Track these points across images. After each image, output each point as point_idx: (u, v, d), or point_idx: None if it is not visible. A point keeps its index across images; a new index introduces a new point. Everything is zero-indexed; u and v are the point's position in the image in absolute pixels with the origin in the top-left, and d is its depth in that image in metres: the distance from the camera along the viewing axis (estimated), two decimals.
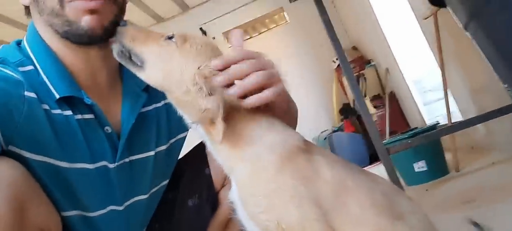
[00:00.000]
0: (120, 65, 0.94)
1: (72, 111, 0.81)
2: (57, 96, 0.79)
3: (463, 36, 2.14)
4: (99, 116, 0.85)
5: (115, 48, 0.73)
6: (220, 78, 0.66)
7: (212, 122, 0.65)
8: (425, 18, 2.15)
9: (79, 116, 0.82)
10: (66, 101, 0.81)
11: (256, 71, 0.68)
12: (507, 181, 1.67)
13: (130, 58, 0.72)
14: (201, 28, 4.67)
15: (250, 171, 0.65)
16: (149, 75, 0.71)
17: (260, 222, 0.64)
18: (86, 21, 0.79)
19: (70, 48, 0.84)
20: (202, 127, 0.70)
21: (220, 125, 0.63)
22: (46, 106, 0.78)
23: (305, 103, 4.59)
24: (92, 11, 0.79)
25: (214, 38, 4.78)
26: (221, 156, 0.71)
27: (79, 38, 0.81)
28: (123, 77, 0.94)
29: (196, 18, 4.73)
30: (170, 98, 0.73)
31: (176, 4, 4.54)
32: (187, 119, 0.73)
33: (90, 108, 0.84)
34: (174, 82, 0.69)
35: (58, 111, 0.79)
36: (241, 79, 0.67)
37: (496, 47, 0.83)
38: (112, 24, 0.81)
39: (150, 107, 0.97)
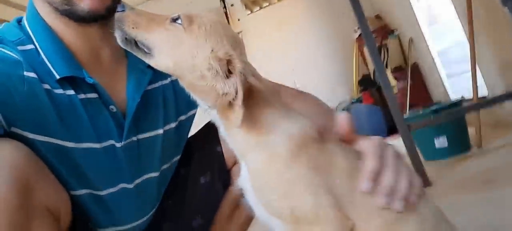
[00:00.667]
0: None
1: (75, 91, 0.80)
2: (57, 76, 0.78)
3: (495, 8, 2.02)
4: (102, 95, 0.83)
5: (118, 35, 0.68)
6: (382, 200, 0.63)
7: (229, 105, 0.62)
8: None
9: (82, 96, 0.81)
10: (67, 81, 0.79)
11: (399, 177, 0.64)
12: None
13: (136, 44, 0.67)
14: None
15: (265, 159, 0.63)
16: (159, 62, 0.67)
17: (274, 210, 0.64)
18: (86, 4, 0.77)
19: (69, 26, 0.82)
20: (216, 111, 0.67)
21: (239, 109, 0.60)
22: (47, 86, 0.76)
23: (324, 74, 4.51)
24: None
25: (232, 5, 4.68)
26: (234, 142, 0.68)
27: (79, 18, 0.79)
28: (128, 54, 0.91)
29: None
30: (183, 84, 0.69)
31: None
32: (201, 103, 0.70)
33: (93, 88, 0.82)
34: (186, 68, 0.65)
35: (60, 91, 0.78)
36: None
37: None
38: (113, 2, 0.79)
39: (156, 85, 0.95)
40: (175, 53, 0.65)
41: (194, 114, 1.04)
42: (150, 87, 0.93)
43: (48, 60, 0.79)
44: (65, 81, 0.79)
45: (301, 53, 4.57)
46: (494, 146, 2.10)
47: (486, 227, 1.10)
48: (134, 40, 0.67)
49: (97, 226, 0.86)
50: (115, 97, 0.85)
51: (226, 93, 0.61)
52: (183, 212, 1.01)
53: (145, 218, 0.94)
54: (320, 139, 0.66)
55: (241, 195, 1.04)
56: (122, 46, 0.69)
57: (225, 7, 4.55)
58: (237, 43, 0.67)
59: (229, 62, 0.62)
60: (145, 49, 0.67)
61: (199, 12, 0.69)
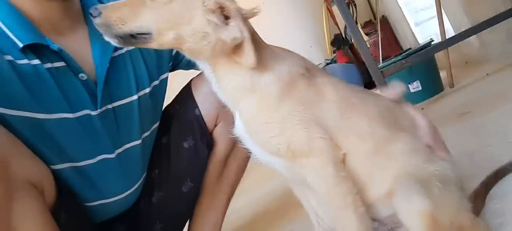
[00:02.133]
0: (83, 9, 0.89)
1: (40, 60, 0.77)
2: (21, 45, 0.75)
3: None
4: (70, 62, 0.80)
5: (112, 40, 0.65)
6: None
7: (234, 51, 0.63)
8: None
9: (48, 65, 0.78)
10: (31, 50, 0.76)
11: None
12: (501, 89, 1.67)
13: (133, 36, 0.65)
14: None
15: (258, 101, 0.66)
16: (161, 40, 0.65)
17: (272, 147, 0.66)
18: None
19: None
20: (212, 62, 0.67)
21: (249, 46, 0.61)
22: (10, 57, 0.74)
23: (297, 38, 4.51)
24: None
25: None
26: (229, 88, 0.69)
27: None
28: (88, 22, 0.88)
29: None
30: (183, 52, 0.68)
31: None
32: (202, 64, 0.70)
33: (58, 56, 0.80)
34: (187, 34, 0.64)
35: (24, 61, 0.75)
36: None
37: None
38: None
39: (123, 51, 0.92)
40: (172, 25, 0.64)
41: (166, 78, 1.03)
42: (116, 54, 0.91)
43: (9, 30, 0.76)
44: (29, 51, 0.76)
45: (273, 20, 4.54)
46: (465, 83, 2.17)
47: (463, 153, 1.15)
48: (129, 34, 0.65)
49: (84, 201, 0.85)
50: (83, 65, 0.83)
51: (234, 39, 0.61)
52: (171, 179, 1.01)
53: (132, 190, 0.93)
54: (308, 74, 0.67)
55: (226, 153, 1.06)
56: (119, 46, 0.67)
57: None
58: None
59: (222, 9, 0.62)
60: (144, 36, 0.65)
61: None
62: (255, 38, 0.67)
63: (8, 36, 0.75)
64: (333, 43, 4.29)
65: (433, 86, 2.24)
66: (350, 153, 0.65)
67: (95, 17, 0.65)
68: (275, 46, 0.71)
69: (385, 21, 3.68)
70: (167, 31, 0.64)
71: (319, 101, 0.65)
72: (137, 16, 0.64)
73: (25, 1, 0.79)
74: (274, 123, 0.64)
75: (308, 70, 0.68)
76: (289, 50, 0.71)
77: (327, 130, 0.64)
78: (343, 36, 4.20)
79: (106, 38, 0.66)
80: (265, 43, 0.70)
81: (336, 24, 4.31)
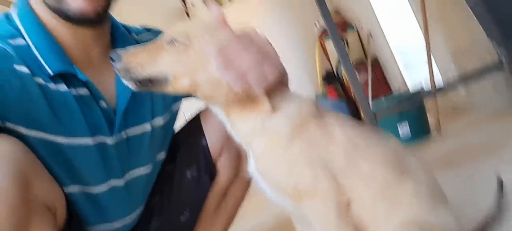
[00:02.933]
0: (112, 39, 0.92)
1: (67, 87, 0.79)
2: (50, 72, 0.77)
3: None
4: (93, 91, 0.83)
5: (131, 84, 0.68)
6: (230, 79, 0.63)
7: (248, 98, 0.66)
8: None
9: (74, 91, 0.80)
10: (60, 77, 0.79)
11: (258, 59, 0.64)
12: (488, 140, 1.73)
13: (150, 81, 0.68)
14: None
15: (268, 142, 0.68)
16: (176, 86, 0.68)
17: (280, 186, 0.68)
18: (77, 4, 0.76)
19: (61, 23, 0.81)
20: (225, 107, 0.70)
21: (264, 97, 0.64)
22: (41, 81, 0.75)
23: (289, 70, 4.59)
24: None
25: (193, 5, 4.65)
26: (241, 133, 0.72)
27: (67, 17, 0.79)
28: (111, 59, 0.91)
29: None
30: (198, 96, 0.71)
31: None
32: (216, 109, 0.73)
33: (84, 84, 0.82)
34: (202, 81, 0.66)
35: (52, 86, 0.77)
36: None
37: (488, 7, 0.84)
38: (104, 7, 0.80)
39: None
40: (188, 72, 0.67)
41: (178, 110, 1.05)
42: None
43: (40, 55, 0.77)
44: (57, 77, 0.78)
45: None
46: (451, 130, 2.25)
47: (451, 203, 1.19)
48: (147, 79, 0.67)
49: (87, 224, 0.85)
50: (105, 93, 0.85)
51: (246, 88, 0.63)
52: (171, 207, 1.01)
53: (133, 215, 0.94)
54: (318, 113, 0.70)
55: (227, 185, 1.07)
56: (137, 90, 0.69)
57: (185, 6, 4.51)
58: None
59: None
60: (161, 81, 0.67)
61: (186, 24, 0.70)
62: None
63: (40, 61, 0.77)
64: (324, 78, 4.39)
65: (421, 131, 2.32)
66: (354, 197, 0.67)
67: (115, 61, 0.67)
68: (286, 89, 0.74)
69: (376, 62, 3.80)
70: (183, 77, 0.67)
71: (327, 143, 0.68)
72: (155, 61, 0.67)
73: (58, 28, 0.81)
74: (283, 163, 0.67)
75: (317, 109, 0.72)
76: (296, 92, 0.75)
77: (333, 172, 0.66)
78: (335, 72, 4.31)
79: (125, 82, 0.69)
80: (277, 87, 0.72)
81: (329, 60, 4.42)
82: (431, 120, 2.41)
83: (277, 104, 0.69)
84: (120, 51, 0.68)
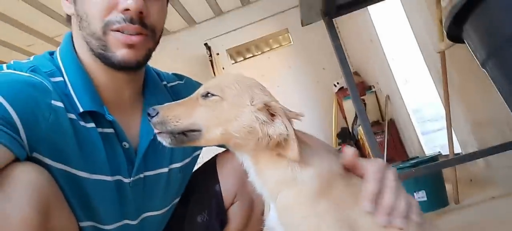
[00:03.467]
0: (143, 83, 0.96)
1: (95, 124, 0.82)
2: (81, 109, 0.80)
3: (467, 72, 2.19)
4: (118, 131, 0.85)
5: (167, 140, 0.71)
6: (383, 219, 0.66)
7: (278, 146, 0.67)
8: (439, 52, 2.19)
9: (100, 130, 0.83)
10: (89, 114, 0.82)
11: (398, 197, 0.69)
12: (507, 217, 1.67)
13: (185, 135, 0.71)
14: (206, 44, 4.71)
15: (295, 195, 0.68)
16: (209, 136, 0.70)
17: None
18: (122, 54, 0.82)
19: (100, 66, 0.85)
20: (253, 155, 0.71)
21: (294, 143, 0.65)
22: (72, 116, 0.78)
23: (304, 125, 4.61)
24: (130, 46, 0.82)
25: (218, 54, 4.82)
26: (269, 183, 0.71)
27: (110, 64, 0.83)
28: (145, 94, 0.95)
29: (202, 33, 4.79)
30: (230, 146, 0.73)
31: (182, 19, 4.59)
32: (244, 157, 0.74)
33: (110, 123, 0.85)
34: (235, 130, 0.69)
35: (82, 123, 0.80)
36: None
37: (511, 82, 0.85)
38: (145, 57, 0.85)
39: None
40: (221, 122, 0.70)
41: (198, 156, 1.06)
42: None
43: (74, 93, 0.81)
44: (87, 115, 0.81)
45: (284, 104, 4.70)
46: (470, 202, 2.18)
47: None
48: (182, 132, 0.70)
49: None
50: (129, 134, 0.88)
51: (280, 135, 0.66)
52: None
53: None
54: (346, 174, 0.70)
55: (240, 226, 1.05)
56: (172, 146, 0.72)
57: (210, 55, 4.68)
58: (264, 88, 0.73)
59: (268, 107, 0.68)
60: (195, 133, 0.70)
61: (218, 78, 0.74)
62: (297, 134, 0.71)
63: (73, 98, 0.81)
64: (339, 135, 4.39)
65: (438, 200, 2.25)
66: None
67: (152, 116, 0.70)
68: (312, 140, 0.75)
69: (392, 124, 3.79)
70: (216, 128, 0.70)
71: (354, 203, 0.67)
72: (190, 114, 0.71)
73: (96, 69, 0.86)
74: (311, 218, 0.66)
75: (347, 170, 0.71)
76: (325, 148, 0.75)
77: None
78: (350, 131, 4.31)
79: (159, 138, 0.71)
80: (304, 136, 0.74)
81: (345, 118, 4.45)
82: (448, 188, 2.35)
83: (308, 158, 0.69)
84: (157, 106, 0.72)
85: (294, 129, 0.70)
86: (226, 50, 4.84)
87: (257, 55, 5.16)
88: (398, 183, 0.72)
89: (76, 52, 0.86)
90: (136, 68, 0.87)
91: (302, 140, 0.72)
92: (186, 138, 0.71)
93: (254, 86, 0.72)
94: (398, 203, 0.68)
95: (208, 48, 4.68)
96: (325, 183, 0.67)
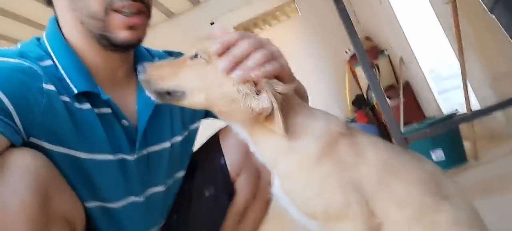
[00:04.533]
0: (135, 61, 0.95)
1: (91, 105, 0.82)
2: (75, 91, 0.79)
3: (482, 22, 2.09)
4: (115, 110, 0.85)
5: (152, 95, 0.71)
6: (224, 63, 0.65)
7: (266, 119, 0.65)
8: (447, 3, 2.09)
9: (96, 110, 0.83)
10: (84, 96, 0.81)
11: (257, 49, 0.66)
12: None
13: (169, 94, 0.70)
14: (212, 23, 4.66)
15: (296, 162, 0.66)
16: (192, 100, 0.69)
17: (308, 208, 0.65)
18: (124, 35, 0.81)
19: (93, 46, 0.84)
20: (248, 129, 0.69)
21: (279, 117, 0.63)
22: (66, 99, 0.78)
23: (318, 95, 4.56)
24: (131, 27, 0.81)
25: None
26: (265, 153, 0.70)
27: (112, 45, 0.82)
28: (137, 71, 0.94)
29: (207, 12, 4.73)
30: (215, 112, 0.71)
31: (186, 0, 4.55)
32: (234, 126, 0.72)
33: (106, 103, 0.84)
34: (217, 97, 0.67)
35: (77, 104, 0.80)
36: (242, 59, 0.65)
37: None
38: (143, 35, 0.85)
39: None
40: (204, 87, 0.68)
41: (198, 128, 1.06)
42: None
43: (67, 75, 0.81)
44: (82, 96, 0.81)
45: (296, 76, 4.65)
46: (489, 157, 2.13)
47: None
48: (165, 91, 0.70)
49: None
50: (126, 112, 0.87)
51: (263, 109, 0.63)
52: (189, 226, 1.01)
53: None
54: (349, 133, 0.67)
55: (246, 205, 1.05)
56: (158, 102, 0.72)
57: None
58: None
59: (254, 81, 0.65)
60: (178, 94, 0.69)
61: (210, 42, 0.72)
62: (290, 102, 0.68)
63: (65, 81, 0.80)
64: (354, 103, 4.32)
65: (456, 157, 2.20)
66: (387, 220, 0.62)
67: (140, 73, 0.71)
68: (313, 108, 0.72)
69: (408, 86, 3.70)
70: (199, 93, 0.68)
71: (359, 164, 0.64)
72: (175, 75, 0.69)
73: (88, 50, 0.85)
74: (312, 184, 0.64)
75: (347, 128, 0.68)
76: (327, 112, 0.72)
77: (364, 195, 0.63)
78: (365, 97, 4.24)
79: (147, 93, 0.71)
80: (302, 103, 0.71)
81: (359, 84, 4.37)
82: (467, 146, 2.29)
83: (306, 123, 0.67)
84: (146, 64, 0.72)
85: (290, 96, 0.68)
86: (233, 27, 4.78)
87: (265, 29, 5.08)
88: (264, 40, 0.68)
89: (63, 35, 0.85)
90: (133, 48, 0.86)
91: (297, 106, 0.69)
92: (170, 97, 0.70)
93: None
94: (253, 54, 0.65)
95: None
96: (324, 145, 0.65)
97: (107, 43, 0.82)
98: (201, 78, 0.68)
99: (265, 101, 0.63)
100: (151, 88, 0.70)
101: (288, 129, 0.65)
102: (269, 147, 0.68)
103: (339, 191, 0.62)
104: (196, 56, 0.69)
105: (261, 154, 0.71)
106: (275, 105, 0.63)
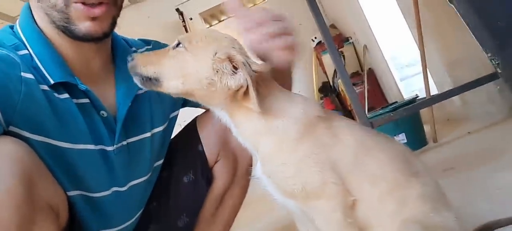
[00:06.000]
0: (112, 51, 0.94)
1: (69, 95, 0.80)
2: (52, 81, 0.78)
3: (441, 11, 2.20)
4: (94, 100, 0.84)
5: (137, 80, 0.75)
6: (243, 23, 0.70)
7: (244, 99, 0.68)
8: None
9: (75, 100, 0.81)
10: (62, 86, 0.80)
11: (274, 21, 0.70)
12: (483, 148, 1.75)
13: (150, 79, 0.73)
14: (177, 9, 4.57)
15: (275, 143, 0.68)
16: (169, 86, 0.72)
17: (287, 188, 0.68)
18: (86, 27, 0.79)
19: (64, 38, 0.82)
20: (229, 110, 0.72)
21: (253, 93, 0.65)
22: (45, 88, 0.76)
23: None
24: (93, 18, 0.79)
25: (191, 19, 4.70)
26: (246, 135, 0.72)
27: (75, 37, 0.80)
28: (116, 63, 0.93)
29: None
30: (195, 99, 0.74)
31: None
32: (215, 109, 0.75)
33: (84, 94, 0.83)
34: (194, 83, 0.69)
35: (55, 94, 0.78)
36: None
37: (480, 17, 0.86)
38: (110, 26, 0.84)
39: (142, 91, 0.95)
40: (181, 74, 0.70)
41: (176, 116, 1.06)
42: (137, 93, 0.93)
43: (42, 66, 0.78)
44: (59, 86, 0.79)
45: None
46: (447, 139, 2.27)
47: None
48: (147, 77, 0.73)
49: (88, 229, 0.84)
50: (105, 103, 0.86)
51: (239, 85, 0.66)
52: (168, 213, 1.01)
53: (132, 220, 0.94)
54: (326, 116, 0.71)
55: (224, 190, 1.07)
56: (143, 88, 0.76)
57: (183, 20, 4.56)
58: (233, 42, 0.72)
59: (231, 59, 0.67)
60: (159, 80, 0.72)
61: (194, 31, 0.74)
62: (269, 84, 0.71)
63: (42, 71, 0.78)
64: (321, 90, 4.43)
65: (417, 140, 2.33)
66: (361, 197, 0.67)
67: (129, 61, 0.75)
68: (291, 92, 0.75)
69: (371, 73, 3.84)
70: (177, 79, 0.71)
71: (335, 144, 0.68)
72: (157, 62, 0.73)
73: (61, 42, 0.82)
74: (291, 164, 0.67)
75: (323, 111, 0.72)
76: (304, 96, 0.75)
77: (340, 174, 0.67)
78: (331, 84, 4.35)
79: (134, 79, 0.75)
80: (281, 88, 0.74)
81: (325, 72, 4.47)
82: (427, 129, 2.43)
83: (283, 106, 0.70)
84: (135, 54, 0.76)
85: (265, 78, 0.70)
86: (199, 14, 4.71)
87: (231, 16, 5.05)
88: (283, 15, 0.73)
89: (37, 24, 0.82)
90: (103, 39, 0.85)
91: (275, 89, 0.72)
92: (151, 82, 0.73)
93: (223, 39, 0.71)
94: (269, 24, 0.70)
95: (181, 13, 4.55)
96: (303, 127, 0.68)
97: (71, 35, 0.80)
98: (180, 66, 0.71)
99: (241, 78, 0.66)
100: (135, 73, 0.74)
101: (266, 109, 0.68)
102: (249, 128, 0.71)
103: (316, 170, 0.66)
104: (178, 45, 0.72)
105: (242, 136, 0.74)
106: (249, 81, 0.65)
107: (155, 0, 4.66)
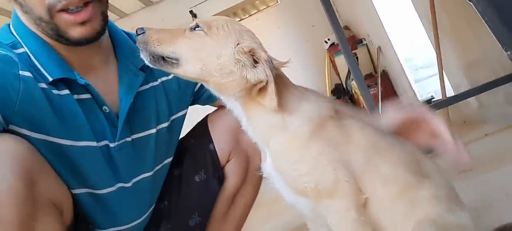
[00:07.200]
0: (113, 44, 0.93)
1: (69, 91, 0.80)
2: (50, 78, 0.77)
3: (457, 11, 2.16)
4: (95, 95, 0.83)
5: (146, 56, 0.70)
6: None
7: (259, 93, 0.67)
8: None
9: (76, 96, 0.81)
10: (61, 82, 0.79)
11: None
12: (500, 150, 1.71)
13: (163, 59, 0.70)
14: (191, 11, 4.60)
15: (288, 140, 0.68)
16: (187, 69, 0.69)
17: (299, 185, 0.68)
18: (77, 33, 0.78)
19: (57, 42, 0.81)
20: (242, 103, 0.71)
21: (273, 90, 0.64)
22: (44, 85, 0.76)
23: (298, 83, 4.60)
24: (83, 23, 0.77)
25: None
26: (257, 130, 0.71)
27: (69, 42, 0.79)
28: (118, 57, 0.92)
29: (186, 1, 4.67)
30: (209, 86, 0.72)
31: None
32: (227, 100, 0.73)
33: (85, 89, 0.82)
34: (214, 68, 0.68)
35: (55, 91, 0.78)
36: None
37: (499, 13, 0.84)
38: (102, 23, 0.81)
39: (147, 86, 0.95)
40: (201, 57, 0.68)
41: (184, 115, 1.05)
42: (141, 89, 0.93)
43: (40, 64, 0.78)
44: (59, 82, 0.79)
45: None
46: (464, 141, 2.21)
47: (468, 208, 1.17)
48: (161, 56, 0.70)
49: (97, 227, 0.85)
50: (108, 98, 0.85)
51: (259, 81, 0.65)
52: (180, 212, 1.01)
53: (142, 218, 0.94)
54: (337, 116, 0.70)
55: (235, 190, 1.06)
56: (151, 65, 0.71)
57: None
58: (254, 36, 0.71)
59: (253, 53, 0.67)
60: (173, 61, 0.69)
61: (213, 17, 0.73)
62: (284, 81, 0.70)
63: (39, 69, 0.77)
64: (333, 92, 4.39)
65: None
66: (373, 197, 0.66)
67: (138, 34, 0.70)
68: (304, 88, 0.74)
69: (385, 75, 3.79)
70: (195, 62, 0.69)
71: (347, 143, 0.68)
72: (173, 42, 0.70)
73: (55, 42, 0.81)
74: (304, 162, 0.66)
75: (337, 112, 0.71)
76: (317, 92, 0.74)
77: (352, 173, 0.66)
78: (344, 86, 4.31)
79: (141, 55, 0.71)
80: (295, 85, 0.73)
81: (338, 74, 4.44)
82: None
83: (298, 103, 0.69)
84: (146, 27, 0.71)
85: (281, 75, 0.70)
86: (213, 16, 4.73)
87: (244, 18, 5.06)
88: None
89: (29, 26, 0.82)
90: (99, 38, 0.83)
91: (290, 85, 0.71)
92: (164, 62, 0.70)
93: (244, 32, 0.70)
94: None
95: (194, 15, 4.58)
96: (316, 126, 0.67)
97: (66, 42, 0.79)
98: (199, 49, 0.69)
99: (261, 73, 0.65)
100: (147, 49, 0.70)
101: (281, 105, 0.67)
102: (263, 123, 0.70)
103: (330, 168, 0.65)
104: (196, 27, 0.70)
105: (253, 131, 0.73)
106: (270, 78, 0.64)
107: (169, 3, 4.70)
